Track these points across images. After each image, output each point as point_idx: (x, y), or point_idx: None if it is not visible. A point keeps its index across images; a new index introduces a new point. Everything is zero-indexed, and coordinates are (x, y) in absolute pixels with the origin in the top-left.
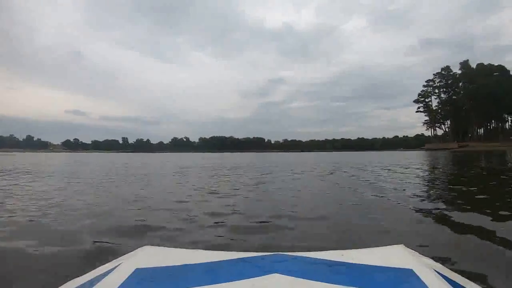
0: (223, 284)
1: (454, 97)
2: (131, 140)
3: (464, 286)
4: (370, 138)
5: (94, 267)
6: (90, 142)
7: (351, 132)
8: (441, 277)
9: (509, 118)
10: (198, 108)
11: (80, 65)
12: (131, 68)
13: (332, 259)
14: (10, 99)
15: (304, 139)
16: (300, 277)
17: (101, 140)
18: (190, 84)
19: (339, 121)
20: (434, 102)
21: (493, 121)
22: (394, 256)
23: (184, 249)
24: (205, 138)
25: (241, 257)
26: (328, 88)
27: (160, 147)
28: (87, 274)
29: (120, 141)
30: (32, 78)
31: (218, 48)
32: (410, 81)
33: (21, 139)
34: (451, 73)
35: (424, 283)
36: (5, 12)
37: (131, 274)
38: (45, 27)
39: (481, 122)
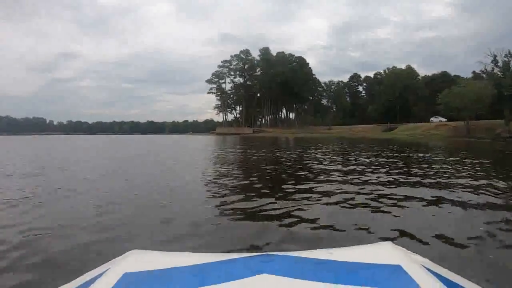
0: (212, 286)
1: (248, 82)
2: None
3: (452, 280)
4: (160, 121)
5: (81, 273)
6: None
7: (140, 115)
8: (429, 272)
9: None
10: None
11: None
12: None
13: (320, 258)
14: None
15: (90, 121)
16: (289, 276)
17: None
18: None
19: (128, 104)
20: (228, 86)
21: (284, 108)
22: (382, 253)
23: (172, 252)
24: None
25: (229, 258)
26: (120, 68)
27: None
28: (74, 281)
29: None
30: None
31: (10, 10)
32: (203, 71)
33: None
34: (250, 57)
35: (412, 278)
36: None
37: (120, 279)
38: None
39: (273, 109)
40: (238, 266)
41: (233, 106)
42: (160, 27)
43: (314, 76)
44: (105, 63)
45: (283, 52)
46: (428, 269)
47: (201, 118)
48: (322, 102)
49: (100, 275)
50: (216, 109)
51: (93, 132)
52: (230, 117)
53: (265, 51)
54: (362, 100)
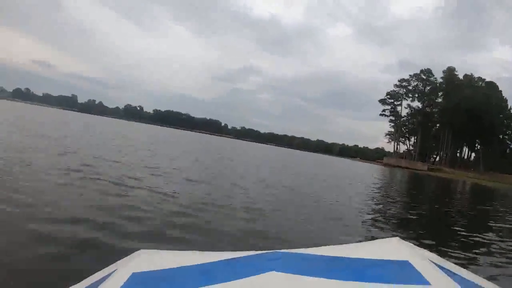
0: (221, 284)
1: (427, 108)
2: (83, 100)
3: (460, 274)
4: (329, 142)
5: (89, 273)
6: (41, 95)
7: (310, 133)
8: (436, 267)
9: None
10: (162, 80)
11: (56, 15)
12: (106, 28)
13: (328, 255)
14: None
15: (262, 131)
16: (297, 274)
17: (54, 95)
18: (161, 55)
19: (300, 120)
20: (404, 112)
21: (464, 145)
22: (390, 248)
23: (180, 251)
24: (159, 110)
25: (237, 256)
26: (298, 86)
27: (110, 112)
28: (83, 281)
29: (73, 99)
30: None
31: (198, 25)
32: (378, 97)
33: None
34: (431, 78)
35: (420, 273)
36: None
37: (128, 279)
38: None
39: (455, 144)
40: (246, 264)
41: (407, 135)
42: (339, 49)
43: (510, 109)
44: (282, 80)
45: (471, 75)
46: (436, 264)
47: (371, 145)
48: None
49: (108, 275)
50: (388, 136)
51: (263, 141)
52: (401, 147)
53: (449, 72)
54: None
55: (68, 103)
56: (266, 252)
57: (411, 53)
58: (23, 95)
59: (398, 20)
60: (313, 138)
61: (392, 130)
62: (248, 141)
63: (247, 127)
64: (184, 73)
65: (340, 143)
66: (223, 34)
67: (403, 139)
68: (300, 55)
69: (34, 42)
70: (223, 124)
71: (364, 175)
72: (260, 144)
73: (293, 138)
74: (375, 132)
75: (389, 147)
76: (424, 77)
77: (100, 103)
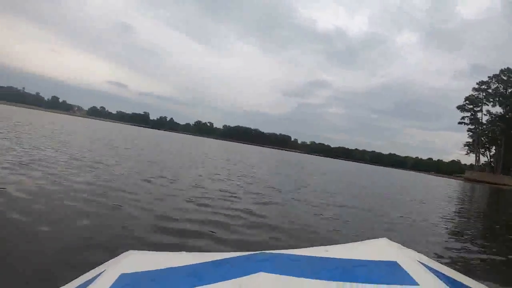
0: (209, 286)
1: (510, 114)
2: (154, 117)
3: (448, 275)
4: (402, 155)
5: (78, 274)
6: (115, 112)
7: (382, 146)
8: (425, 268)
9: None
10: (230, 96)
11: (128, 39)
12: (175, 48)
13: (317, 255)
14: (51, 61)
15: (333, 145)
16: (286, 274)
17: (128, 112)
18: (228, 72)
19: (371, 133)
20: (484, 118)
21: None
22: (378, 249)
23: (168, 253)
24: (229, 126)
25: (225, 257)
26: (367, 98)
27: (181, 128)
28: (71, 282)
29: (145, 116)
30: (76, 44)
31: (264, 41)
32: (452, 105)
33: (46, 99)
34: None
35: (408, 274)
36: None
37: (116, 280)
38: None
39: None
40: (234, 265)
41: (487, 145)
42: (406, 57)
43: None
44: (351, 92)
45: None
46: (424, 265)
47: (446, 158)
48: None
49: (97, 276)
50: (466, 147)
51: (333, 156)
52: (481, 159)
53: None
54: None
55: (140, 120)
56: (255, 253)
57: (483, 56)
58: (98, 113)
59: (466, 22)
60: (385, 151)
61: (470, 140)
62: (319, 156)
63: (317, 141)
64: (252, 89)
65: (414, 156)
66: (290, 49)
67: (483, 150)
68: (368, 66)
69: (108, 64)
70: (293, 139)
71: (455, 196)
72: (330, 159)
73: (364, 152)
74: (449, 143)
75: (466, 159)
76: (505, 78)
77: (171, 119)
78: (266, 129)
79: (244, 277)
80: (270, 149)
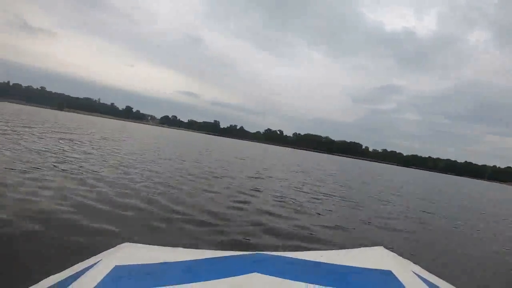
0: (202, 283)
1: None
2: (225, 125)
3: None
4: (479, 164)
5: (73, 263)
6: (186, 121)
7: (457, 154)
8: (419, 279)
9: None
10: (299, 104)
11: (198, 50)
12: (243, 58)
13: (312, 260)
14: (127, 75)
15: (405, 153)
16: (280, 277)
17: (199, 121)
18: (297, 80)
19: (445, 140)
20: None
21: None
22: (374, 257)
23: (164, 247)
24: (299, 134)
25: (221, 255)
26: (440, 103)
27: (252, 136)
28: (66, 271)
29: (215, 125)
30: (149, 58)
31: (332, 48)
32: None
33: (120, 108)
34: None
35: (402, 284)
36: None
37: (110, 271)
38: (164, 13)
39: None
40: (230, 263)
41: None
42: (479, 57)
43: None
44: (422, 97)
45: None
46: (419, 276)
47: None
48: None
49: (91, 266)
50: None
51: (405, 164)
52: None
53: None
54: None
55: (211, 128)
56: (250, 253)
57: None
58: (170, 121)
59: None
60: (460, 159)
61: None
62: (391, 164)
63: (388, 149)
64: (322, 96)
65: (491, 165)
66: (359, 55)
67: None
68: (439, 68)
69: (179, 75)
70: (363, 147)
71: None
72: (404, 167)
73: (438, 160)
74: None
75: None
76: None
77: (241, 127)
78: (335, 136)
79: (239, 276)
80: (341, 157)
